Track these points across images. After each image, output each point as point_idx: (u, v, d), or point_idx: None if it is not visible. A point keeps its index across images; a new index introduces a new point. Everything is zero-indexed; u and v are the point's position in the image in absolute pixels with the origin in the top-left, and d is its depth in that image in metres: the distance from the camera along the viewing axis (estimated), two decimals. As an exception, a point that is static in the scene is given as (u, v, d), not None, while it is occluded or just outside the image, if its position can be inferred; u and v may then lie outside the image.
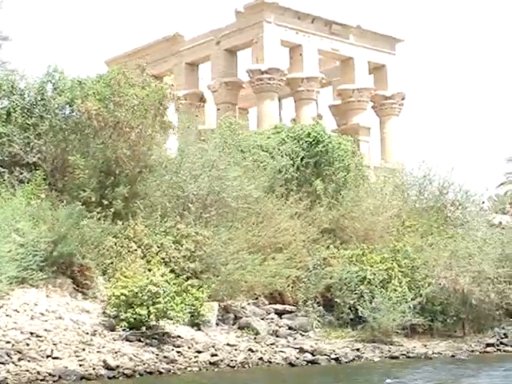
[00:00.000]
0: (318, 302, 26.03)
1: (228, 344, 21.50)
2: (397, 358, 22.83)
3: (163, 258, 23.34)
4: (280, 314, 25.60)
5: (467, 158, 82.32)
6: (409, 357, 23.20)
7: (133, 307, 19.79)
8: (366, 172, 33.39)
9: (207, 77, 45.04)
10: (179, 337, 20.86)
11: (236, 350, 21.11)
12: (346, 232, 28.82)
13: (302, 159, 30.44)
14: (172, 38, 45.25)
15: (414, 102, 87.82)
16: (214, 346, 20.84)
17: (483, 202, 33.27)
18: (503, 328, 26.63)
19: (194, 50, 44.44)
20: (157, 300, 19.79)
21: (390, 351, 23.43)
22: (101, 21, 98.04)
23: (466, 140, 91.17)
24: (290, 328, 24.57)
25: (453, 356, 23.50)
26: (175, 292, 20.60)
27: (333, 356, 21.75)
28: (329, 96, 48.51)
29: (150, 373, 17.98)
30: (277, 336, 23.59)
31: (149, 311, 19.75)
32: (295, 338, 23.48)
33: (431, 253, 26.88)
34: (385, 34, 45.85)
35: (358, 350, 23.06)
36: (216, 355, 20.15)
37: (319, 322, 25.58)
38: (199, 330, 22.12)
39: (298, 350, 21.91)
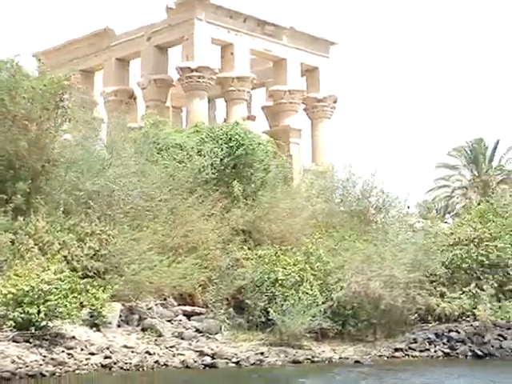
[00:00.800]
0: (228, 304, 25.60)
1: (125, 346, 20.88)
2: (300, 362, 22.52)
3: (65, 256, 22.62)
4: (189, 315, 25.06)
5: (400, 163, 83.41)
6: (313, 361, 22.92)
7: (22, 306, 19.02)
8: (289, 174, 33.04)
9: (139, 73, 44.23)
10: (74, 338, 20.16)
11: (132, 352, 20.52)
12: (262, 234, 28.46)
13: (221, 160, 29.96)
14: (102, 32, 44.29)
15: (349, 105, 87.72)
16: (109, 348, 20.20)
17: (408, 207, 33.21)
18: (413, 333, 26.53)
19: (125, 46, 43.57)
20: (48, 298, 19.05)
21: (295, 355, 23.09)
22: (30, 14, 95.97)
23: (400, 144, 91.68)
24: (197, 330, 24.04)
25: (357, 361, 23.26)
26: (69, 289, 19.89)
27: (234, 360, 21.33)
28: (263, 97, 48.18)
29: (32, 376, 17.25)
30: (182, 338, 23.04)
31: (39, 310, 19.00)
32: (198, 341, 22.96)
33: (345, 256, 26.65)
34: (318, 37, 45.68)
35: (262, 353, 22.63)
36: (109, 357, 19.54)
37: (228, 324, 25.12)
38: (98, 330, 21.45)
39: (198, 353, 21.42)
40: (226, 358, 21.28)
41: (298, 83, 44.96)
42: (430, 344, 25.98)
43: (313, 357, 23.35)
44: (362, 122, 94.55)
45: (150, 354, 20.60)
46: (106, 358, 19.48)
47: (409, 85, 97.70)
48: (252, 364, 21.37)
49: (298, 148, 43.98)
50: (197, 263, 25.37)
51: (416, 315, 27.11)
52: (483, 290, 27.44)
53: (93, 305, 21.30)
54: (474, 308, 26.84)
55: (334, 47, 46.94)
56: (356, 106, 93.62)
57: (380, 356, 24.92)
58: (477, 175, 47.38)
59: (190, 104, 41.20)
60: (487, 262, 28.07)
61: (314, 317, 24.44)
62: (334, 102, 46.20)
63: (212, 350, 21.89)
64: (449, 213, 44.74)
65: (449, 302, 27.26)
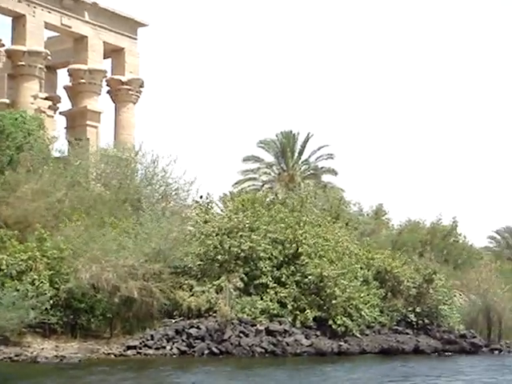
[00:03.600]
0: None
1: None
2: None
3: None
4: None
5: (212, 154, 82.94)
6: (14, 361, 20.45)
7: None
8: (50, 155, 30.35)
9: None
10: None
11: None
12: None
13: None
14: None
15: (161, 90, 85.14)
16: None
17: (201, 197, 31.34)
18: (155, 329, 24.61)
19: None
20: None
21: (-4, 353, 20.58)
22: None
23: (213, 134, 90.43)
24: None
25: (62, 359, 21.00)
26: None
27: None
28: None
29: None
30: None
31: None
32: None
33: (80, 245, 24.30)
34: (125, 16, 43.26)
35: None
36: None
37: None
38: None
39: None
40: None
41: (101, 64, 42.37)
42: (168, 341, 24.15)
43: (17, 355, 20.90)
44: (175, 107, 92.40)
45: None
46: None
47: (229, 73, 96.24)
48: None
49: (96, 131, 41.42)
50: None
51: (164, 310, 25.27)
52: (235, 284, 25.88)
53: None
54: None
55: (144, 29, 44.70)
56: (172, 92, 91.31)
57: (109, 354, 22.86)
58: (285, 169, 46.44)
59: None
60: (242, 253, 26.51)
61: (33, 309, 21.98)
62: (140, 86, 43.93)
63: None
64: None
65: (196, 296, 25.53)
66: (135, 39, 44.24)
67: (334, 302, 26.49)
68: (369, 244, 32.09)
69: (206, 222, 27.72)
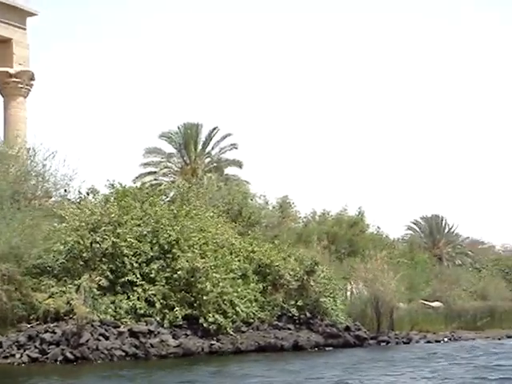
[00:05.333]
0: None
1: None
2: None
3: None
4: None
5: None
6: None
7: None
8: None
9: None
10: None
11: None
12: None
13: None
14: None
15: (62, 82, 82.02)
16: None
17: (65, 190, 29.59)
18: (7, 336, 22.76)
19: None
20: None
21: None
22: None
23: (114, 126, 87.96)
24: None
25: None
26: None
27: None
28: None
29: None
30: None
31: None
32: None
33: None
34: (11, 4, 40.97)
35: None
36: None
37: None
38: None
39: None
40: None
41: (-14, 55, 40.10)
42: (18, 348, 22.32)
43: None
44: (76, 101, 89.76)
45: None
46: None
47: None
48: None
49: (-19, 127, 39.21)
50: None
51: (20, 315, 23.45)
52: (98, 283, 24.23)
53: None
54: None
55: (33, 18, 42.50)
56: (72, 85, 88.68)
57: None
58: (188, 162, 44.84)
59: None
60: (108, 250, 24.83)
61: None
62: (31, 79, 41.73)
63: None
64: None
65: (55, 298, 23.77)
66: (24, 29, 42.06)
67: (205, 298, 24.93)
68: (253, 237, 30.62)
69: (75, 216, 25.78)
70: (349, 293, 31.81)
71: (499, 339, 34.54)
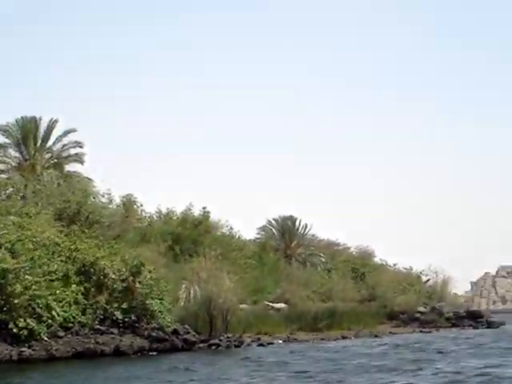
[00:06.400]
0: None
1: None
2: None
3: None
4: None
5: None
6: None
7: None
8: None
9: None
10: None
11: None
12: None
13: None
14: None
15: None
16: None
17: None
18: None
19: None
20: None
21: None
22: None
23: None
24: None
25: None
26: None
27: None
28: None
29: None
30: None
31: None
32: None
33: None
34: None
35: None
36: None
37: None
38: None
39: None
40: None
41: None
42: None
43: None
44: None
45: None
46: None
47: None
48: None
49: None
50: None
51: None
52: None
53: None
54: None
55: None
56: None
57: None
58: (27, 158, 42.28)
59: None
60: None
61: None
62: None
63: None
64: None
65: None
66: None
67: (16, 301, 23.05)
68: (77, 235, 28.80)
69: None
70: (184, 294, 30.51)
71: (335, 340, 34.32)
